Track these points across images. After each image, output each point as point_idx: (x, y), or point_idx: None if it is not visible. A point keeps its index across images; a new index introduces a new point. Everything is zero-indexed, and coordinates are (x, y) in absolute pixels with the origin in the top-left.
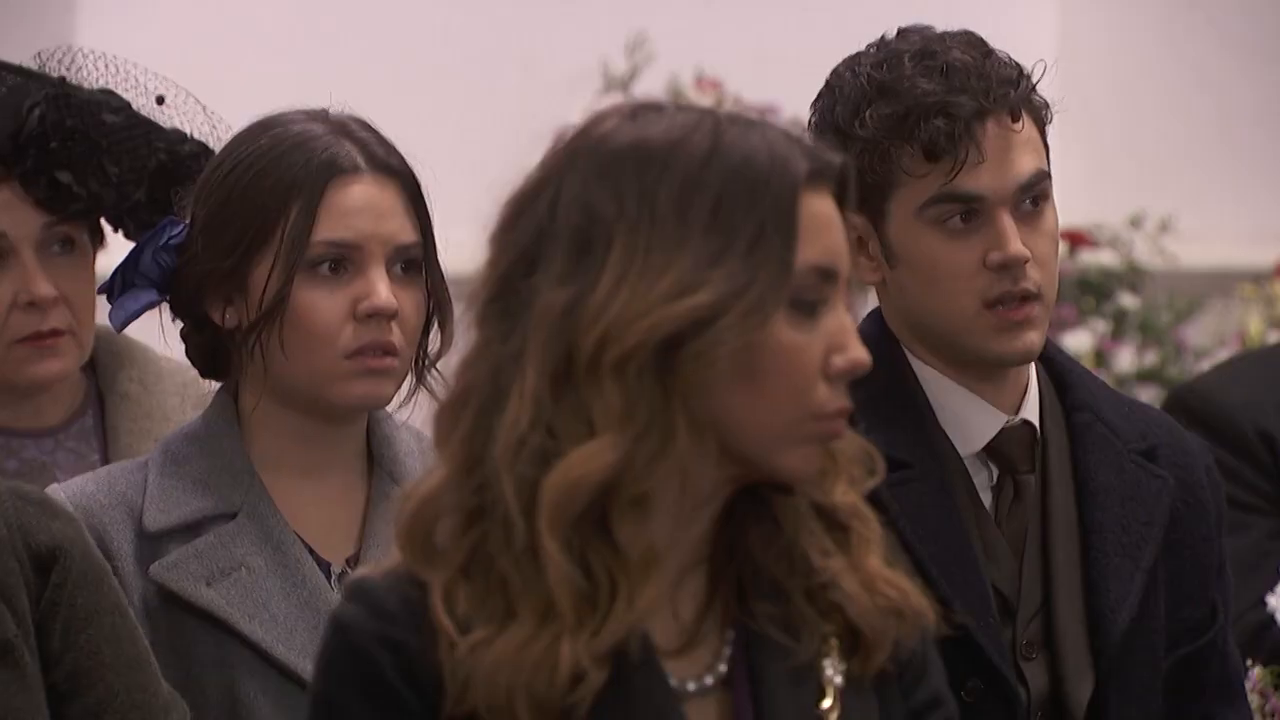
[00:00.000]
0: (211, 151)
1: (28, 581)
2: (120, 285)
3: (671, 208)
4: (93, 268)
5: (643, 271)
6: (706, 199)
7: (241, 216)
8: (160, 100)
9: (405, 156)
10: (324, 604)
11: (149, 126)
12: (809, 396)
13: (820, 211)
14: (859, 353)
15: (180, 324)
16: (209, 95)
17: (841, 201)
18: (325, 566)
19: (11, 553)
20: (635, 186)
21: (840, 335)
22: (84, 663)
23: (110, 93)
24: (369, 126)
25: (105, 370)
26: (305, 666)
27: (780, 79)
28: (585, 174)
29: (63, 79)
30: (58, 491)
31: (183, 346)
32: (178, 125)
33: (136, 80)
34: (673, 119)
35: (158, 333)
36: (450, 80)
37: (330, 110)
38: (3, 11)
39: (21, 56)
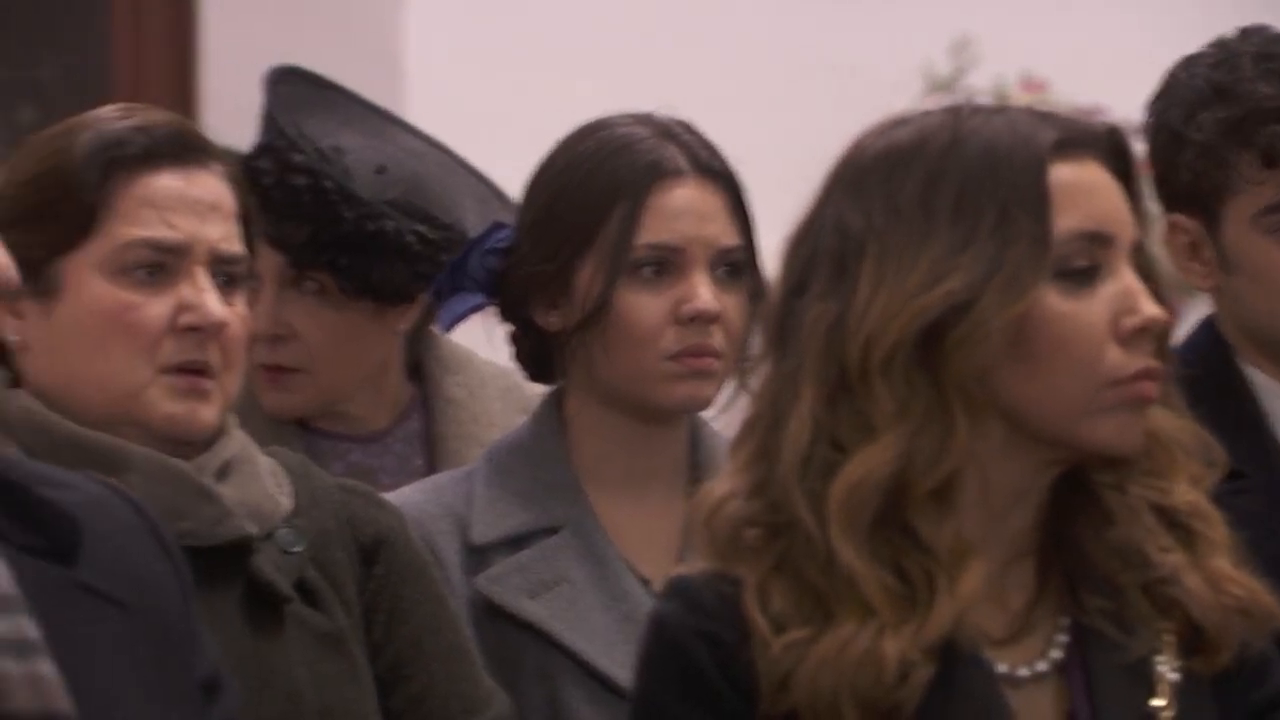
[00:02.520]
0: (449, 234)
1: (355, 572)
2: (448, 288)
3: (915, 205)
4: (342, 309)
5: (895, 273)
6: (949, 189)
7: (566, 219)
8: (381, 170)
9: (728, 159)
10: (644, 620)
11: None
12: (1099, 364)
13: (1078, 178)
14: (1150, 310)
15: (506, 328)
16: (533, 100)
17: (1120, 169)
18: (646, 583)
19: (340, 545)
20: (881, 195)
21: (1127, 297)
22: (406, 653)
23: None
24: (693, 129)
25: (431, 376)
26: (627, 679)
27: (1107, 80)
28: (839, 194)
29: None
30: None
31: (508, 350)
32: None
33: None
34: (919, 122)
35: (484, 337)
36: (770, 85)
37: (655, 114)
38: (328, 20)
39: (347, 65)
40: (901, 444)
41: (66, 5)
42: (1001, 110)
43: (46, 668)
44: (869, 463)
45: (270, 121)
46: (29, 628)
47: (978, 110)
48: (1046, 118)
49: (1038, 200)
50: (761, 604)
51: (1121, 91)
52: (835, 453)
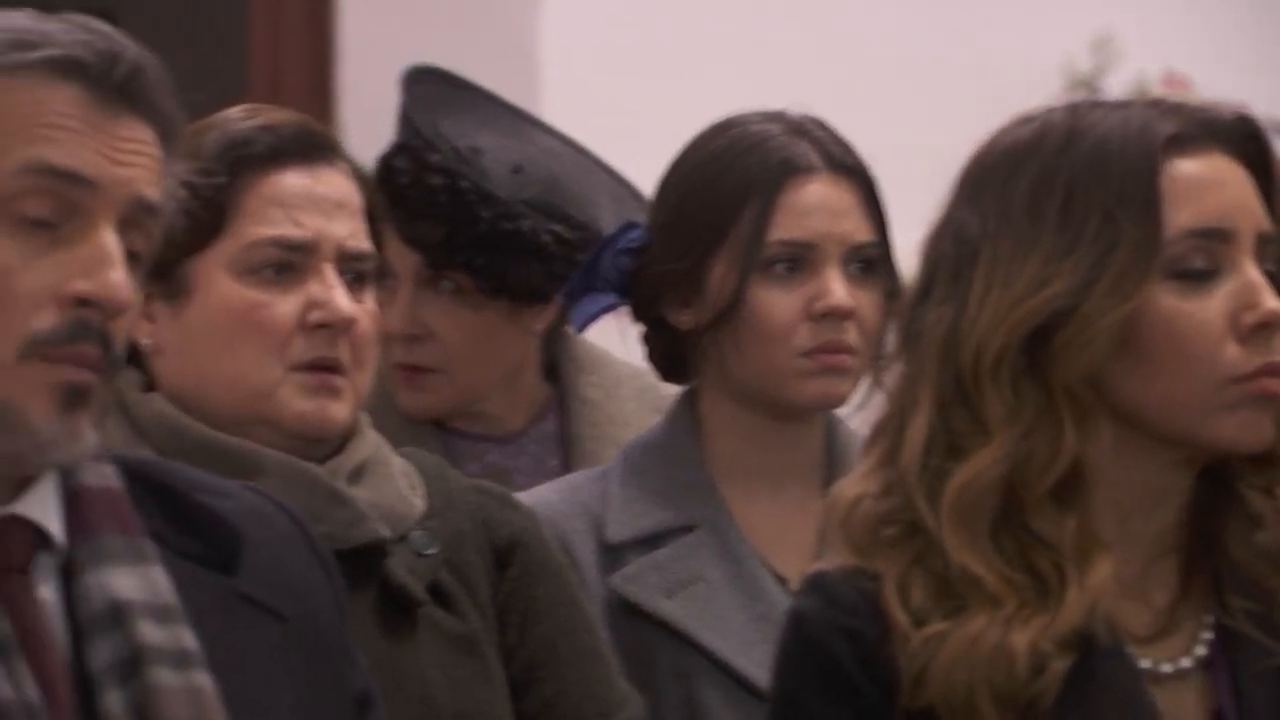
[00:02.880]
0: (584, 233)
1: (489, 574)
2: (580, 288)
3: (1025, 208)
4: (479, 309)
5: (1004, 278)
6: (1058, 191)
7: (698, 217)
8: (517, 169)
9: (861, 156)
10: (781, 618)
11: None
12: (1217, 361)
13: (1195, 173)
14: (1271, 304)
15: (639, 328)
16: (668, 99)
17: (1252, 159)
18: (782, 581)
19: (474, 547)
20: (996, 198)
21: (1247, 292)
22: (539, 655)
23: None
24: (825, 126)
25: (566, 376)
26: (765, 680)
27: (1251, 77)
28: (963, 197)
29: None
30: (521, 500)
31: (641, 350)
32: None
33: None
34: (1041, 120)
35: (617, 337)
36: (905, 81)
37: (787, 111)
38: (464, 18)
39: (484, 63)
40: (1011, 447)
41: (205, 3)
42: (1123, 105)
43: (203, 679)
44: (979, 465)
45: (407, 121)
46: (187, 638)
47: (1098, 105)
48: (1168, 111)
49: (1145, 200)
50: (901, 598)
51: (1265, 89)
52: (952, 455)
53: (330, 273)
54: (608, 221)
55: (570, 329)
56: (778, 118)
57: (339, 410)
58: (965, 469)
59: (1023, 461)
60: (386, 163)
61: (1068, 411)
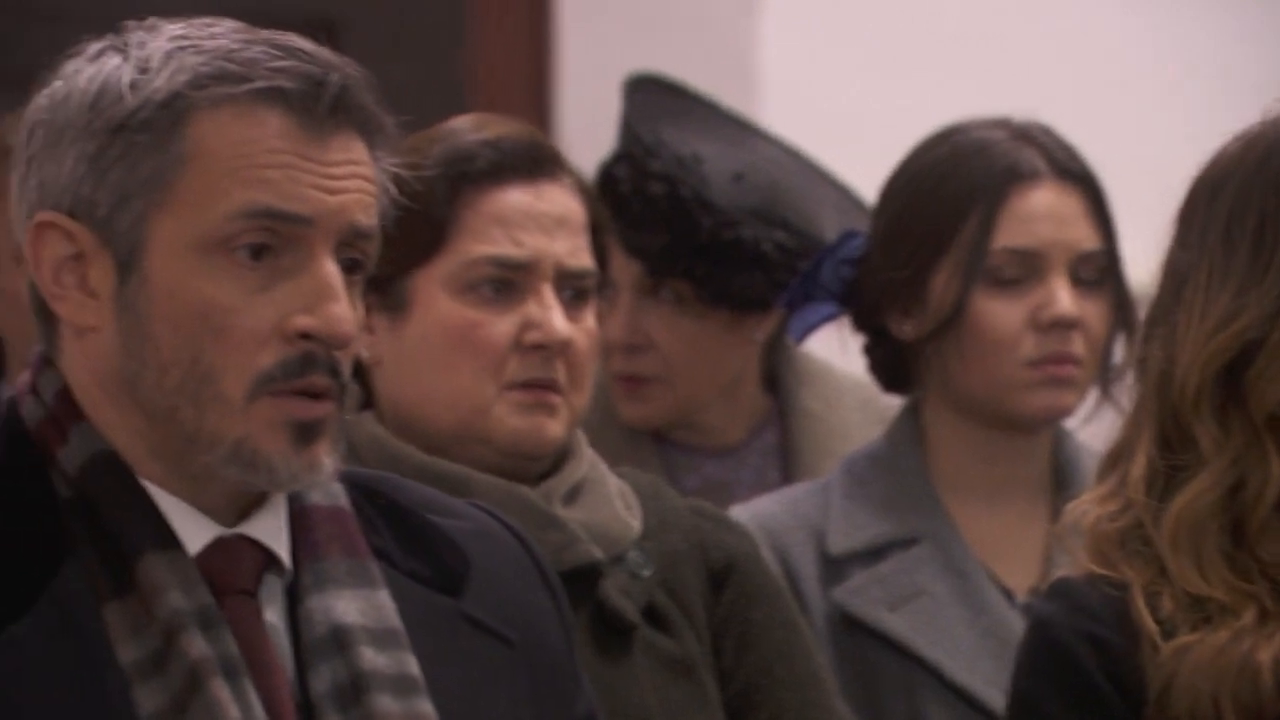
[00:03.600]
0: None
1: (705, 596)
2: (800, 297)
3: (1220, 235)
4: (700, 319)
5: (1201, 311)
6: (1251, 216)
7: (920, 225)
8: (738, 177)
9: (1088, 162)
10: (1007, 633)
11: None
12: None
13: None
14: None
15: (861, 337)
16: (891, 106)
17: None
18: (1008, 595)
19: (690, 568)
20: (1200, 223)
21: None
22: (756, 679)
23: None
24: (1050, 132)
25: (787, 388)
26: (991, 695)
27: None
28: (1178, 221)
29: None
30: (741, 512)
31: (862, 361)
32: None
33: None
34: (1246, 137)
35: (838, 347)
36: (1136, 86)
37: (1012, 117)
38: (683, 27)
39: (703, 71)
40: (1222, 475)
41: (423, 13)
42: None
43: (425, 706)
44: (1194, 492)
45: (628, 129)
46: (410, 664)
47: None
48: None
49: None
50: (1151, 607)
51: None
52: (1171, 485)
53: (548, 292)
54: (830, 229)
55: (790, 339)
56: (1002, 124)
57: (554, 428)
58: (1182, 497)
59: (1237, 488)
60: (607, 171)
61: (1270, 440)
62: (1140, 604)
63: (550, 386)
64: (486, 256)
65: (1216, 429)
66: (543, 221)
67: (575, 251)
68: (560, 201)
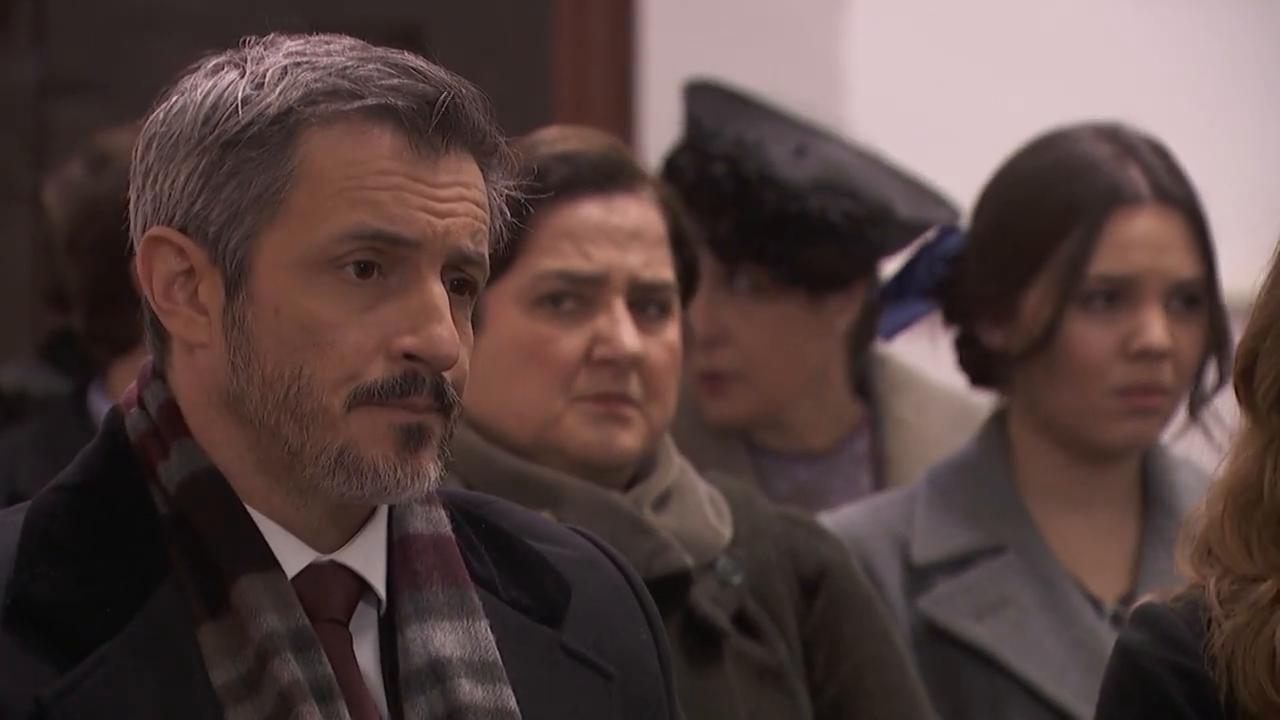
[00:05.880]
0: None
1: (796, 605)
2: (894, 292)
3: None
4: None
5: (1261, 306)
6: None
7: (1016, 239)
8: (800, 150)
9: (1192, 185)
10: (1096, 644)
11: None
12: None
13: None
14: None
15: (952, 332)
16: (981, 114)
17: None
18: (1097, 605)
19: (781, 576)
20: None
21: None
22: (848, 690)
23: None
24: (1159, 150)
25: (880, 396)
26: (1079, 708)
27: None
28: None
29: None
30: (824, 520)
31: (952, 360)
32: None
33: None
34: None
35: (928, 346)
36: (1236, 97)
37: (1120, 128)
38: (768, 36)
39: (789, 80)
40: (1248, 460)
41: (509, 25)
42: None
43: None
44: (1226, 472)
45: (691, 121)
46: (508, 698)
47: None
48: None
49: None
50: (1217, 592)
51: None
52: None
53: (619, 306)
54: (903, 208)
55: (880, 340)
56: (1110, 135)
57: (626, 439)
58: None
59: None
60: (671, 163)
61: None
62: (1211, 594)
63: (621, 399)
64: (555, 271)
65: (1262, 418)
66: (615, 235)
67: (650, 264)
68: (634, 214)
